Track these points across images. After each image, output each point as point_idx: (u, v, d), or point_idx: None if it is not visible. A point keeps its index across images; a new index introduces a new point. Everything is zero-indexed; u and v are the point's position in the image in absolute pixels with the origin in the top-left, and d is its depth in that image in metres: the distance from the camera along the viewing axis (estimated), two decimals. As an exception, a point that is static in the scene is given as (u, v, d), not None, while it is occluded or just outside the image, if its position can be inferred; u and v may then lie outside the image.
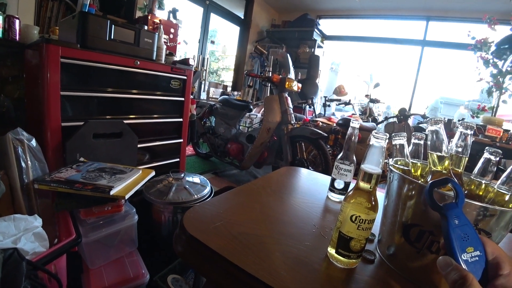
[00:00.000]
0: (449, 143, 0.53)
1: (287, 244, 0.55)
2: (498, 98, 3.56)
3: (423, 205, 0.46)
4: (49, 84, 1.16)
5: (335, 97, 4.14)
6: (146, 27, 1.54)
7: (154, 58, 1.59)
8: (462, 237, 0.37)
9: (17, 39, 1.61)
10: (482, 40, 3.64)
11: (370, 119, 3.77)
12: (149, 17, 2.73)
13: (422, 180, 0.59)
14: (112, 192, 0.93)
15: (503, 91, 3.49)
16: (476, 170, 0.56)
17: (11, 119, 1.56)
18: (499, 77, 3.45)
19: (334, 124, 3.03)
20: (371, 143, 0.47)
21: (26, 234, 0.73)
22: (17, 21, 1.61)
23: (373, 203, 0.47)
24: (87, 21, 1.25)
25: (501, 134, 2.97)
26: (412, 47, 5.01)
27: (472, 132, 0.53)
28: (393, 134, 0.59)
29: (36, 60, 1.30)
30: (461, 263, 0.35)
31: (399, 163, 0.59)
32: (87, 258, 1.00)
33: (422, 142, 0.64)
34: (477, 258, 0.36)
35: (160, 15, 3.10)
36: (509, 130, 3.01)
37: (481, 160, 0.55)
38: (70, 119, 1.28)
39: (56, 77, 1.18)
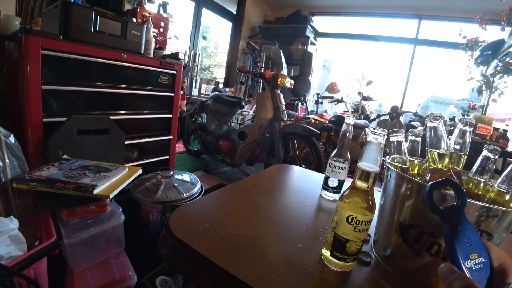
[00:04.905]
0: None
1: (279, 246, 0.52)
2: (488, 97, 3.61)
3: (422, 205, 0.43)
4: (29, 77, 1.10)
5: (327, 94, 4.14)
6: (134, 20, 1.48)
7: (142, 51, 1.53)
8: (465, 242, 0.34)
9: (-3, 30, 1.53)
10: (473, 40, 3.68)
11: (362, 117, 3.78)
12: (138, 10, 2.66)
13: (420, 178, 0.56)
14: (95, 191, 0.89)
15: (493, 90, 3.54)
16: (474, 168, 0.54)
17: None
18: (489, 76, 3.50)
19: (327, 121, 3.02)
20: (368, 139, 0.45)
21: (0, 237, 0.68)
22: (-4, 11, 1.53)
23: (370, 203, 0.44)
24: (70, 11, 1.19)
25: (491, 132, 3.02)
26: (404, 46, 5.03)
27: (472, 129, 0.51)
28: (390, 131, 0.56)
29: (16, 52, 1.24)
30: (465, 271, 0.33)
31: (396, 160, 0.56)
32: (70, 260, 0.95)
33: (419, 139, 0.61)
34: (481, 265, 0.34)
35: (150, 8, 3.02)
36: (499, 129, 3.05)
37: (480, 158, 0.53)
38: (52, 115, 1.22)
39: (37, 70, 1.11)
